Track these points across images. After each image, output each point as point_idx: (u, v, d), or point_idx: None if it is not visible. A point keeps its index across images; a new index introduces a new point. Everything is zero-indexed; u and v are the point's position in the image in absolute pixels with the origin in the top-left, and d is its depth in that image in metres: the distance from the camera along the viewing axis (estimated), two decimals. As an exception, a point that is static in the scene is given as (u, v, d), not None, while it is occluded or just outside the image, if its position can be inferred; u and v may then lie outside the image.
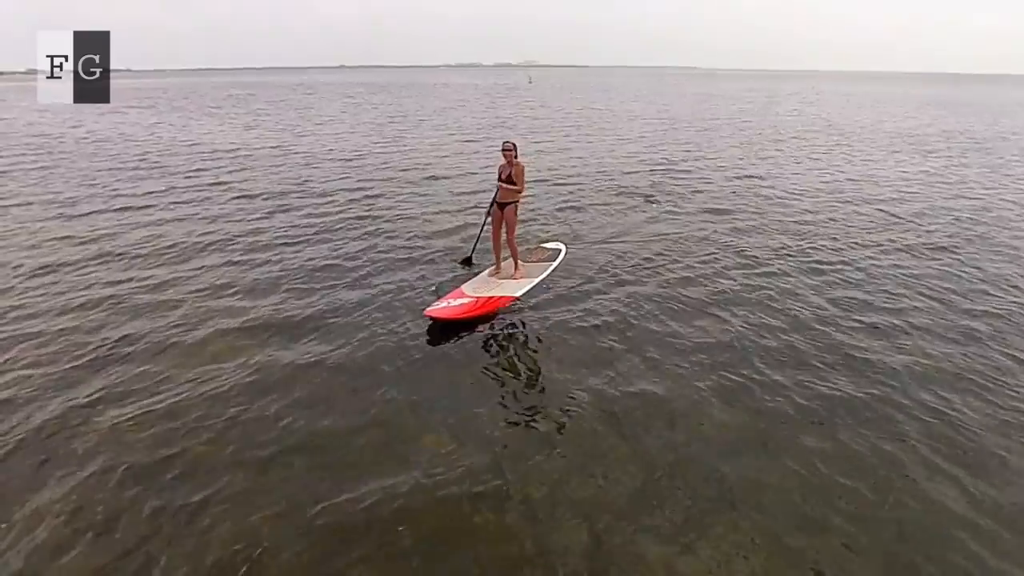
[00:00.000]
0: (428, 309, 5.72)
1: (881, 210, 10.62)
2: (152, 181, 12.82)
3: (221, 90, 60.08)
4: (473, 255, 7.40)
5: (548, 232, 8.95)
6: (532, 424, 4.27)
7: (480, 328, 5.68)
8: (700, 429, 4.20)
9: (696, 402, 4.51)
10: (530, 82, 76.35)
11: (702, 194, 11.81)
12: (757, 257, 7.90)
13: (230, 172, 13.89)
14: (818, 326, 5.80)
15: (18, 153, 16.71)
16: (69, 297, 6.36)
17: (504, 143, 6.52)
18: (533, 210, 10.22)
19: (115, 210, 10.25)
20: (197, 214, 10.00)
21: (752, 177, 13.57)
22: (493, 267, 6.86)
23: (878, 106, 40.08)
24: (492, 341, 5.52)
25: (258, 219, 9.69)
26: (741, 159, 16.20)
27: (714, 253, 8.04)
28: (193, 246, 8.19)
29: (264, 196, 11.32)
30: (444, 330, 5.55)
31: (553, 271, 6.98)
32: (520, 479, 3.67)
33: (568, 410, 4.39)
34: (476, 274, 6.85)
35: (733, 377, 4.84)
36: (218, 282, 6.82)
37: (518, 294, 6.24)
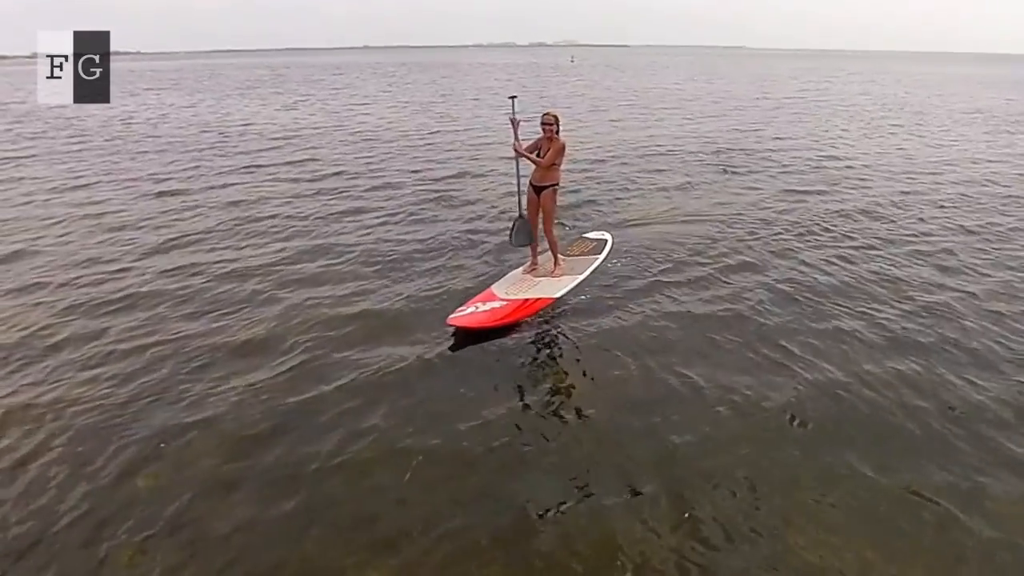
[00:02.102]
0: (451, 316, 4.82)
1: (980, 190, 9.66)
2: (222, 161, 12.18)
3: (244, 71, 58.91)
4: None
5: (606, 217, 8.08)
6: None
7: (512, 336, 4.77)
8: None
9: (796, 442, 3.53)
10: (572, 61, 74.65)
11: (784, 174, 10.82)
12: (860, 248, 6.89)
13: (295, 152, 13.17)
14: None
15: (50, 137, 16.14)
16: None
17: (544, 115, 5.33)
18: (589, 193, 9.46)
19: (186, 192, 9.65)
20: (274, 197, 9.33)
21: (835, 157, 12.38)
22: (528, 263, 5.90)
23: (945, 85, 37.17)
24: (526, 354, 4.62)
25: (330, 204, 8.90)
26: (816, 139, 14.87)
27: (803, 241, 7.09)
28: (268, 229, 7.66)
29: (332, 182, 10.44)
30: (471, 339, 4.67)
31: (599, 266, 6.01)
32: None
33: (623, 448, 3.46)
34: (508, 272, 5.92)
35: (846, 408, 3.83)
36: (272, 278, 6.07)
37: (557, 295, 5.29)
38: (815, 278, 5.88)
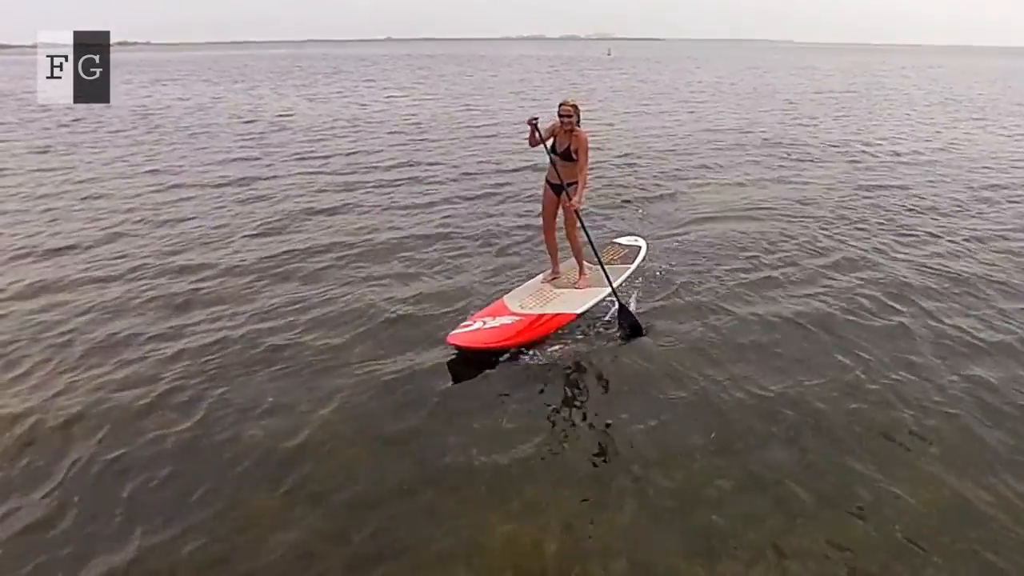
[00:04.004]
0: (451, 333, 4.13)
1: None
2: (281, 153, 11.69)
3: (266, 62, 58.09)
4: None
5: (662, 218, 7.44)
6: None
7: (523, 355, 4.11)
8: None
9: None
10: (609, 55, 73.11)
11: (855, 167, 10.38)
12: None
13: (347, 146, 12.46)
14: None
15: (91, 130, 15.51)
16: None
17: (561, 105, 4.58)
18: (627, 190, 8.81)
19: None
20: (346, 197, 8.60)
21: (909, 150, 11.81)
22: (548, 271, 5.16)
23: (1002, 79, 35.44)
24: (541, 378, 3.93)
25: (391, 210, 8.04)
26: (887, 135, 13.91)
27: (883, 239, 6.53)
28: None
29: (391, 186, 9.37)
30: (473, 361, 4.00)
31: (630, 276, 5.24)
32: None
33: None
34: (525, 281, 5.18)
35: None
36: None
37: (580, 311, 4.54)
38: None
